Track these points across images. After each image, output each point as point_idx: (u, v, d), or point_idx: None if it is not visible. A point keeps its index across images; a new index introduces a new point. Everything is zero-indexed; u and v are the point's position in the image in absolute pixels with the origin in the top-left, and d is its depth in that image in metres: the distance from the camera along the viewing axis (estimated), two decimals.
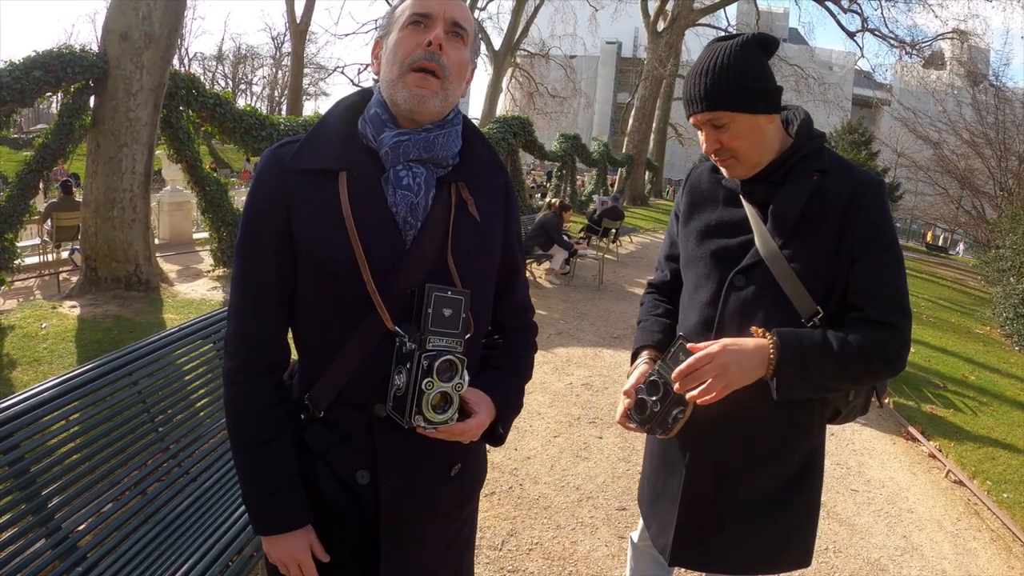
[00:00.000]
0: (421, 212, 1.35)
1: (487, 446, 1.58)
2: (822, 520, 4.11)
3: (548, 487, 3.99)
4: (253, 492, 1.39)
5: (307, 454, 1.40)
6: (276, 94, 59.39)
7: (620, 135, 36.70)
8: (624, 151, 28.88)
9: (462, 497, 1.53)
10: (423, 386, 1.23)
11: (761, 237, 1.73)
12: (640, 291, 10.15)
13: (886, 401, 6.82)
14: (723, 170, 1.81)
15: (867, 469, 5.34)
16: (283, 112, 40.54)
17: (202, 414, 2.82)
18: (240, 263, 1.38)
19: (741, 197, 1.82)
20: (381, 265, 1.31)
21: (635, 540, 2.39)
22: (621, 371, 6.52)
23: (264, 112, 10.25)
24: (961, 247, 39.58)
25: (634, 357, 2.00)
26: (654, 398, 1.77)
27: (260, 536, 1.41)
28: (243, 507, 2.50)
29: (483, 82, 38.30)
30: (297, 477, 1.39)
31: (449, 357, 1.25)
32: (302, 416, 1.40)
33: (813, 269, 1.69)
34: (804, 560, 1.94)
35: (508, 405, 1.48)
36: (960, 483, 5.39)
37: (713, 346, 1.65)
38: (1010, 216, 16.01)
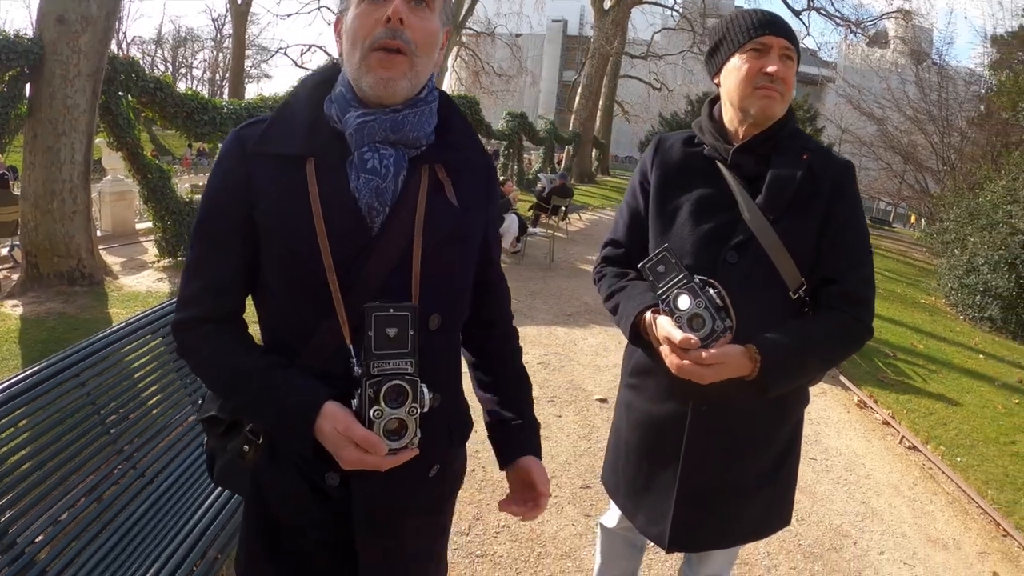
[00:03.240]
0: (389, 197, 1.26)
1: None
2: None
3: None
4: (269, 403, 1.23)
5: (273, 457, 1.34)
6: (217, 77, 57.51)
7: (567, 113, 36.69)
8: (571, 129, 28.87)
9: (440, 499, 1.47)
10: (372, 415, 1.15)
11: (751, 212, 1.74)
12: (590, 268, 9.96)
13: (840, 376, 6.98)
14: (764, 102, 1.72)
15: (824, 438, 5.45)
16: (225, 96, 39.53)
17: (155, 412, 2.70)
18: (197, 244, 1.31)
19: (724, 169, 1.80)
20: (344, 257, 1.22)
21: (608, 525, 2.38)
22: (576, 349, 6.53)
23: (206, 96, 9.93)
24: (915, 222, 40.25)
25: (635, 325, 1.82)
26: (701, 332, 1.61)
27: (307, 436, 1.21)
28: (204, 507, 2.44)
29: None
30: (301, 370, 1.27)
31: (397, 382, 1.16)
32: None
33: (802, 244, 1.74)
34: (787, 519, 2.04)
35: (538, 449, 1.52)
36: (914, 448, 5.54)
37: (724, 354, 1.61)
38: (953, 190, 16.48)
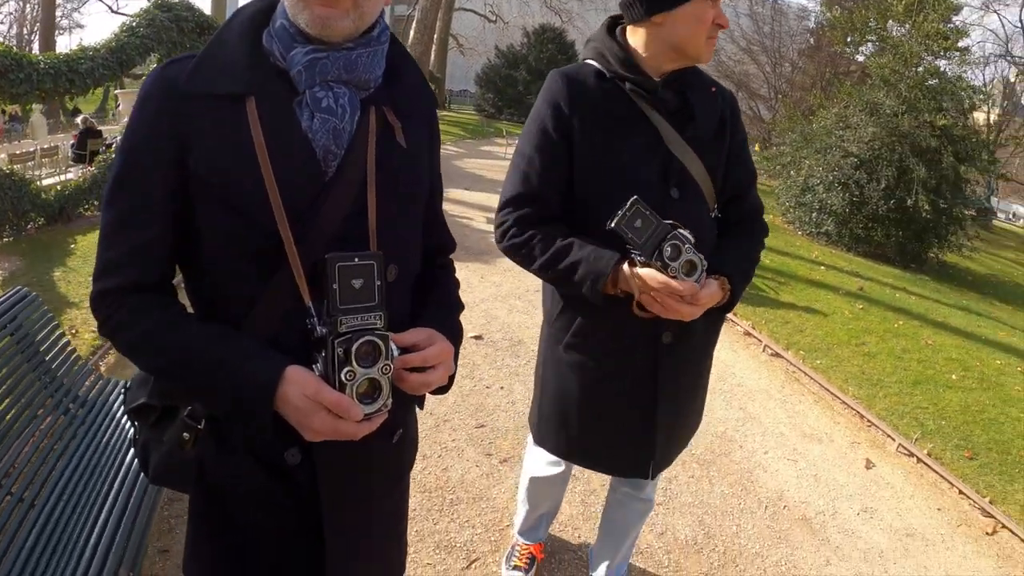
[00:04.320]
0: (346, 139, 1.13)
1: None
2: None
3: None
4: (222, 378, 1.06)
5: (219, 442, 1.16)
6: (25, 31, 51.40)
7: None
8: None
9: (403, 465, 1.38)
10: (343, 377, 1.01)
11: (679, 146, 1.77)
12: (443, 205, 10.04)
13: None
14: (709, 52, 1.77)
15: None
16: (36, 51, 35.25)
17: (13, 421, 2.24)
18: (117, 202, 1.11)
19: (648, 106, 1.77)
20: (297, 202, 1.08)
21: (541, 476, 2.41)
22: None
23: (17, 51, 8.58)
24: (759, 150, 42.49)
25: (599, 282, 1.73)
26: (695, 276, 1.65)
27: (268, 410, 1.04)
28: (100, 521, 2.05)
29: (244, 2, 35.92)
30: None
31: (368, 338, 1.02)
32: None
33: (718, 169, 1.86)
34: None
35: (456, 338, 1.28)
36: (777, 355, 5.83)
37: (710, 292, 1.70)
38: (788, 117, 17.58)
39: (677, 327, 1.78)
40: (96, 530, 2.00)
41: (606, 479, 2.46)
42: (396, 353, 1.06)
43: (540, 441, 2.15)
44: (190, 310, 1.18)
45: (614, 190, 1.70)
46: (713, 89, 1.87)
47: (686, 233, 1.63)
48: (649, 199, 1.64)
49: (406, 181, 1.22)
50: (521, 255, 1.85)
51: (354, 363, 1.01)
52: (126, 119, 9.13)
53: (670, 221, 1.62)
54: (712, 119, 1.84)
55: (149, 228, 1.11)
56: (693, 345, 1.91)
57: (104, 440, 2.40)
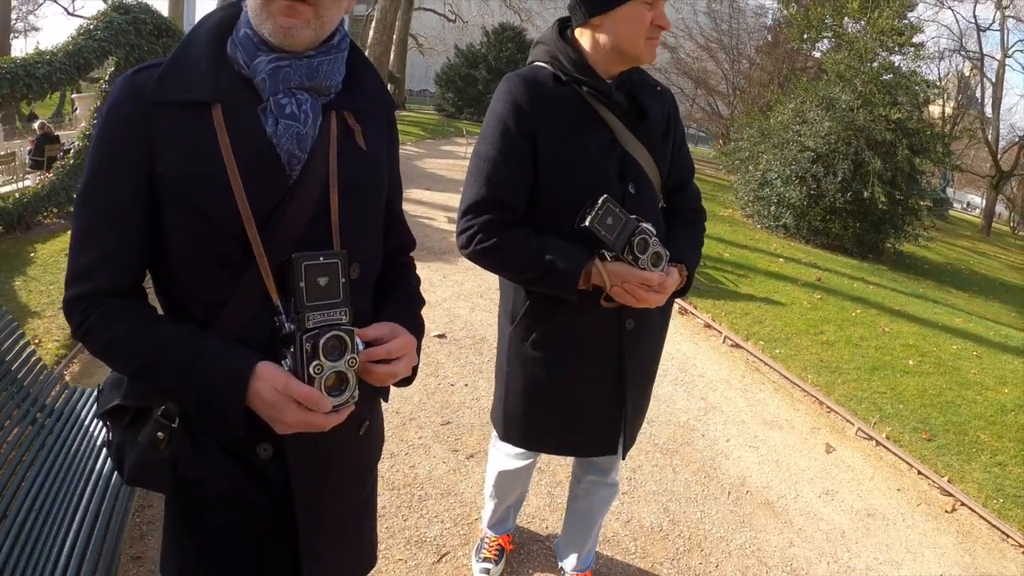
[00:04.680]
0: (309, 143, 1.18)
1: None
2: None
3: None
4: (193, 375, 1.10)
5: (192, 440, 1.20)
6: None
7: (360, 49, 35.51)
8: None
9: (370, 457, 1.44)
10: (312, 371, 1.07)
11: (632, 144, 1.87)
12: (404, 206, 10.02)
13: None
14: (651, 52, 1.84)
15: None
16: None
17: None
18: (87, 208, 1.15)
19: (603, 107, 1.84)
20: (263, 205, 1.13)
21: (508, 469, 2.46)
22: None
23: None
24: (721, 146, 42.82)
25: (574, 279, 1.81)
26: (661, 266, 1.82)
27: (238, 406, 1.09)
28: (73, 529, 2.05)
29: (211, 4, 35.12)
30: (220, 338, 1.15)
31: (335, 333, 1.09)
32: None
33: (665, 163, 1.99)
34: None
35: (418, 332, 1.34)
36: (737, 346, 5.96)
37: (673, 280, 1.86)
38: (746, 112, 17.85)
39: (638, 313, 1.91)
40: (69, 539, 2.00)
41: (571, 471, 2.52)
42: (361, 347, 1.13)
43: (507, 436, 2.20)
44: (160, 312, 1.22)
45: (578, 190, 1.77)
46: (658, 88, 1.98)
47: (649, 227, 1.76)
48: (613, 195, 1.73)
49: (367, 183, 1.27)
50: (492, 260, 1.87)
51: (322, 357, 1.07)
52: (84, 124, 8.93)
53: (635, 216, 1.75)
54: (661, 117, 1.95)
55: (119, 233, 1.14)
56: (651, 328, 2.06)
57: (73, 449, 2.40)
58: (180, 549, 1.31)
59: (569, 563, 2.57)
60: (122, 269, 1.17)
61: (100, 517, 2.10)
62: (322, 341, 1.07)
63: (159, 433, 1.14)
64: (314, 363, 1.07)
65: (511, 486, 2.56)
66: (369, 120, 1.29)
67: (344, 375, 1.10)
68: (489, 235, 1.83)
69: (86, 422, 2.56)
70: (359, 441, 1.34)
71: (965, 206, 50.28)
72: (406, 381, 1.29)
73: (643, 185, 1.90)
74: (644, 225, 1.76)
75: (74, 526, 2.05)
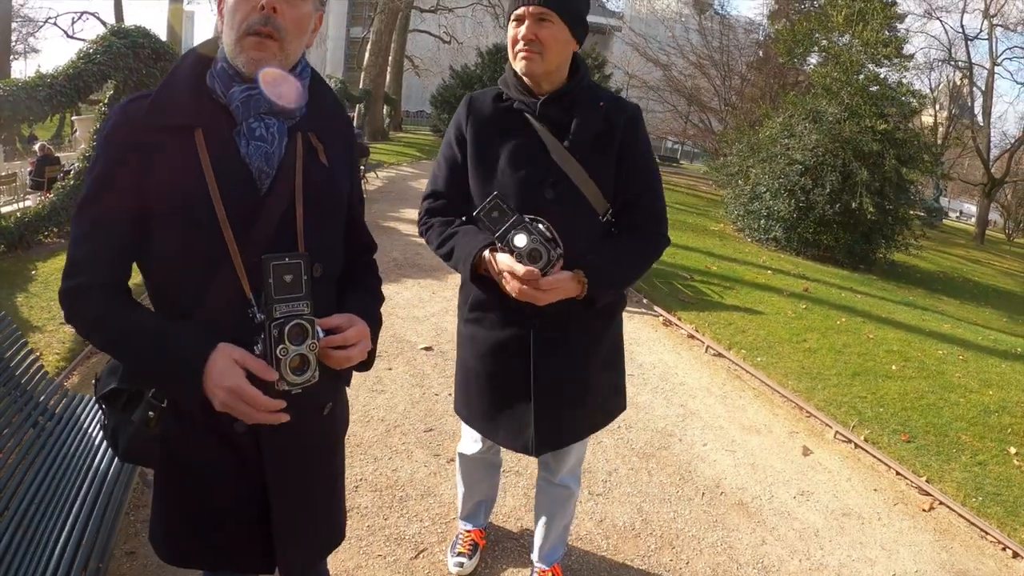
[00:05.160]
0: (276, 160, 1.39)
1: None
2: None
3: (354, 425, 4.00)
4: (161, 351, 1.32)
5: (179, 418, 1.41)
6: None
7: (356, 70, 35.43)
8: (361, 87, 28.05)
9: (334, 436, 1.65)
10: (278, 353, 1.28)
11: (560, 155, 2.04)
12: (394, 224, 10.28)
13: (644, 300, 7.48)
14: (523, 63, 2.00)
15: (637, 355, 5.86)
16: None
17: None
18: (86, 215, 1.36)
19: (534, 120, 2.06)
20: (238, 214, 1.34)
21: (467, 453, 2.66)
22: (393, 303, 6.56)
23: None
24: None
25: (473, 267, 2.06)
26: (540, 263, 1.93)
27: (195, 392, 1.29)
28: (71, 517, 2.22)
29: (212, 22, 35.32)
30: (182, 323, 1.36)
31: (298, 321, 1.30)
32: None
33: (604, 176, 2.08)
34: (623, 405, 2.46)
35: (375, 322, 1.55)
36: (719, 355, 6.10)
37: (556, 280, 1.95)
38: (736, 128, 18.07)
39: (542, 312, 2.03)
40: (65, 533, 2.16)
41: None
42: (321, 334, 1.34)
43: (456, 410, 2.45)
44: (148, 306, 1.43)
45: (495, 189, 2.05)
46: (601, 104, 2.10)
47: (542, 226, 1.93)
48: (525, 198, 2.00)
49: (328, 194, 1.49)
50: (425, 238, 2.24)
51: (287, 342, 1.28)
52: (83, 146, 9.06)
53: (530, 216, 1.94)
54: (589, 130, 2.06)
55: (108, 237, 1.36)
56: (567, 334, 2.15)
57: (72, 450, 2.56)
58: (167, 517, 1.52)
59: (535, 556, 2.72)
60: (110, 265, 1.37)
61: (95, 513, 2.26)
62: (287, 328, 1.28)
63: (150, 412, 1.37)
64: (280, 347, 1.28)
65: (474, 474, 2.74)
66: (330, 139, 1.51)
67: (306, 357, 1.31)
68: (426, 219, 2.25)
69: (85, 426, 2.73)
70: (323, 421, 1.56)
71: (958, 215, 50.46)
72: (364, 366, 1.52)
73: (565, 192, 2.05)
74: (535, 224, 1.94)
75: (70, 520, 2.21)
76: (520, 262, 1.92)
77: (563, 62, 2.05)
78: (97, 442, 2.64)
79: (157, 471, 1.51)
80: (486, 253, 2.01)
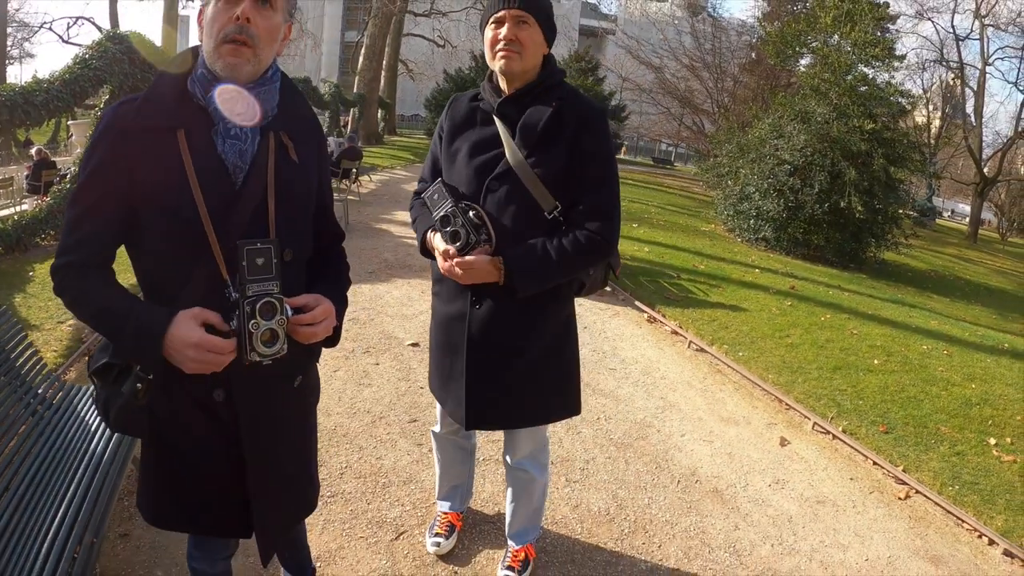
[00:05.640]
0: (249, 157, 1.56)
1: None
2: (590, 396, 4.71)
3: (342, 416, 4.13)
4: (117, 331, 1.49)
5: (165, 388, 1.56)
6: None
7: (350, 75, 35.25)
8: (356, 91, 28.11)
9: (306, 406, 1.83)
10: (250, 327, 1.44)
11: (510, 149, 2.21)
12: (387, 227, 10.55)
13: (627, 294, 7.60)
14: (502, 62, 2.17)
15: (620, 351, 6.01)
16: None
17: None
18: (77, 205, 1.53)
19: (495, 117, 2.26)
20: (216, 206, 1.50)
21: (437, 431, 2.84)
22: (383, 302, 6.70)
23: None
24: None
25: (422, 242, 2.38)
26: (458, 244, 2.18)
27: (155, 355, 1.47)
28: (69, 495, 2.38)
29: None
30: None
31: (268, 299, 1.46)
32: None
33: (553, 173, 2.21)
34: (574, 408, 2.53)
35: (340, 303, 1.75)
36: (702, 350, 6.23)
37: (472, 261, 2.17)
38: (726, 129, 18.21)
39: (480, 291, 2.26)
40: (61, 513, 2.30)
41: None
42: (290, 311, 1.53)
43: (428, 380, 2.65)
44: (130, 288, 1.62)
45: (453, 175, 2.32)
46: (555, 103, 2.22)
47: (472, 213, 2.16)
48: (472, 186, 2.23)
49: (298, 187, 1.66)
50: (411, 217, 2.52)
51: (258, 317, 1.45)
52: (80, 150, 9.14)
53: (466, 202, 2.18)
54: (536, 127, 2.20)
55: (98, 224, 1.53)
56: (502, 317, 2.30)
57: (69, 437, 2.71)
58: (153, 483, 1.71)
59: (508, 536, 2.85)
60: (97, 248, 1.55)
61: (89, 497, 2.40)
62: (258, 305, 1.45)
63: (138, 384, 1.52)
64: (252, 322, 1.45)
65: (446, 454, 2.90)
66: (300, 138, 1.69)
67: (276, 332, 1.48)
68: (412, 201, 2.54)
69: (82, 414, 2.88)
70: (294, 391, 1.75)
71: (950, 214, 50.59)
72: (330, 341, 1.72)
73: (507, 182, 2.21)
74: (463, 204, 2.19)
75: (66, 501, 2.35)
76: (445, 242, 2.19)
77: (537, 63, 2.24)
78: (93, 429, 2.78)
79: (144, 441, 1.69)
80: (429, 232, 2.30)
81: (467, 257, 2.16)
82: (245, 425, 1.61)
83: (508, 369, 2.35)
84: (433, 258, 2.34)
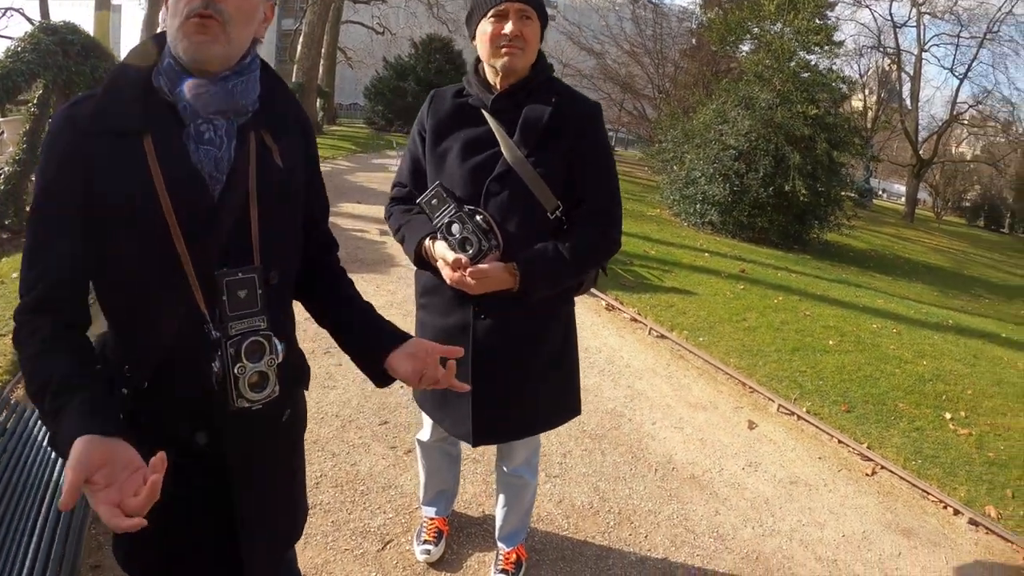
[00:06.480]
0: (225, 165, 1.32)
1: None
2: None
3: (310, 422, 3.96)
4: (51, 427, 1.21)
5: (136, 427, 1.30)
6: None
7: (288, 63, 34.52)
8: (294, 80, 27.42)
9: (295, 440, 1.63)
10: (235, 372, 1.25)
11: (508, 148, 2.08)
12: (334, 219, 9.97)
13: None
14: (507, 59, 2.04)
15: (583, 339, 5.90)
16: None
17: None
18: (35, 230, 1.29)
19: (487, 114, 2.12)
20: (191, 224, 1.26)
21: (424, 439, 2.73)
22: None
23: None
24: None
25: (418, 251, 2.17)
26: (470, 252, 2.02)
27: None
28: (34, 546, 2.14)
29: (137, 19, 34.26)
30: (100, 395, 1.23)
31: (254, 338, 1.27)
32: (124, 390, 1.33)
33: (554, 172, 2.11)
34: (576, 409, 2.47)
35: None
36: (662, 337, 6.29)
37: (486, 269, 2.02)
38: (670, 115, 18.39)
39: (482, 301, 2.12)
40: (31, 550, 2.09)
41: None
42: (280, 348, 1.31)
43: (415, 396, 2.54)
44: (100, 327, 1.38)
45: (443, 177, 2.13)
46: (553, 99, 2.12)
47: (479, 218, 2.02)
48: (469, 189, 2.08)
49: (284, 196, 1.42)
50: (389, 226, 2.34)
51: (244, 360, 1.26)
52: (12, 148, 8.67)
53: (470, 207, 2.03)
54: (537, 125, 2.09)
55: (58, 251, 1.27)
56: (508, 325, 2.18)
57: (28, 464, 2.50)
58: (129, 535, 1.37)
59: (498, 539, 2.81)
60: (56, 289, 1.28)
61: (59, 529, 2.21)
62: (244, 346, 1.26)
63: None
64: (238, 365, 1.25)
65: (432, 462, 2.81)
66: (286, 135, 1.44)
67: (265, 374, 1.29)
68: (389, 208, 2.36)
69: (38, 439, 2.66)
70: (283, 425, 1.52)
71: (883, 193, 52.16)
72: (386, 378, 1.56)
73: (510, 186, 2.08)
74: (473, 215, 2.03)
75: (35, 539, 2.15)
76: (453, 250, 2.01)
77: (533, 58, 2.13)
78: (53, 455, 2.57)
79: None
80: (427, 241, 2.11)
81: (481, 265, 2.00)
82: (234, 461, 1.39)
83: (518, 379, 2.25)
84: (428, 268, 2.19)
